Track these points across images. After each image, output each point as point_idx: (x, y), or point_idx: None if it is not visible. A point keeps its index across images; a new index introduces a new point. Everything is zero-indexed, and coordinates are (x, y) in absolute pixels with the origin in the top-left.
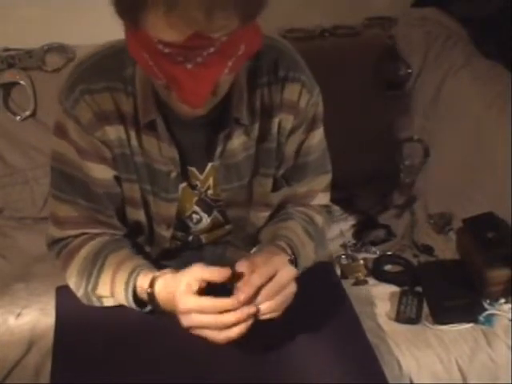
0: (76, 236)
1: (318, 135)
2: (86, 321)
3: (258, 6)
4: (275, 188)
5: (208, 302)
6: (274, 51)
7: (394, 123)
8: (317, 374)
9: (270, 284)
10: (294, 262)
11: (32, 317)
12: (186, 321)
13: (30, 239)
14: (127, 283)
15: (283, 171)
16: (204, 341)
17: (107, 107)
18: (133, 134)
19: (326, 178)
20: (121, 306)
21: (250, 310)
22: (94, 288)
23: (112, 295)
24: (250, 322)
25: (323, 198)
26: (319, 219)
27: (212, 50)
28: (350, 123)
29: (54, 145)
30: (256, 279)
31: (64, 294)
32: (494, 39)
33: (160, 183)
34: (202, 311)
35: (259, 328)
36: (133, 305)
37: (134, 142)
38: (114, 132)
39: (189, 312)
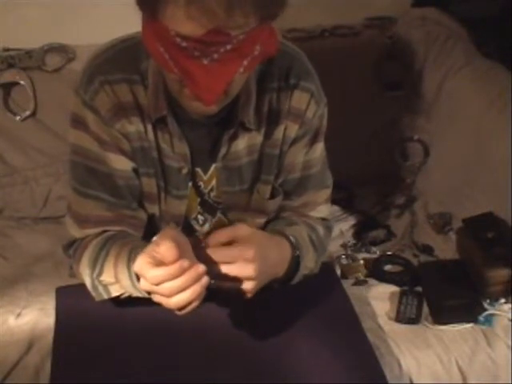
0: (96, 235)
1: (319, 149)
2: (85, 321)
3: (277, 6)
4: (272, 196)
5: (154, 271)
6: (287, 58)
7: (394, 123)
8: (317, 374)
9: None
10: (297, 259)
11: (32, 317)
12: (141, 284)
13: (29, 239)
14: (129, 267)
15: (281, 181)
16: (203, 339)
17: (126, 99)
18: (149, 127)
19: (326, 193)
20: (120, 306)
21: (198, 269)
22: (99, 274)
23: (117, 280)
24: (201, 285)
25: (322, 211)
26: (321, 230)
27: (229, 47)
28: (350, 123)
29: (72, 138)
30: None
31: (64, 295)
32: (494, 39)
33: (171, 180)
34: (145, 278)
35: (258, 327)
36: (138, 286)
37: (151, 135)
38: (132, 124)
39: (141, 276)
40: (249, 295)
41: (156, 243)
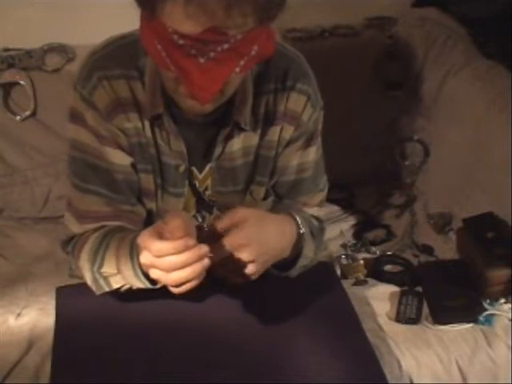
0: (95, 230)
1: (313, 152)
2: (85, 321)
3: (276, 7)
4: (264, 197)
5: (160, 244)
6: (284, 59)
7: (394, 123)
8: (316, 374)
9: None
10: (300, 239)
11: (32, 317)
12: (142, 258)
13: (30, 239)
14: (131, 256)
15: (273, 183)
16: (203, 339)
17: (124, 94)
18: (147, 124)
19: (320, 196)
20: (120, 306)
21: (201, 249)
22: (100, 266)
23: (119, 271)
24: (202, 265)
25: (316, 212)
26: (316, 224)
27: (226, 46)
28: (350, 123)
29: (71, 133)
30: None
31: (64, 294)
32: (494, 39)
33: (168, 177)
34: (149, 250)
35: (258, 327)
36: (141, 276)
37: (148, 132)
38: (130, 120)
39: (144, 248)
40: (253, 277)
41: (165, 221)
